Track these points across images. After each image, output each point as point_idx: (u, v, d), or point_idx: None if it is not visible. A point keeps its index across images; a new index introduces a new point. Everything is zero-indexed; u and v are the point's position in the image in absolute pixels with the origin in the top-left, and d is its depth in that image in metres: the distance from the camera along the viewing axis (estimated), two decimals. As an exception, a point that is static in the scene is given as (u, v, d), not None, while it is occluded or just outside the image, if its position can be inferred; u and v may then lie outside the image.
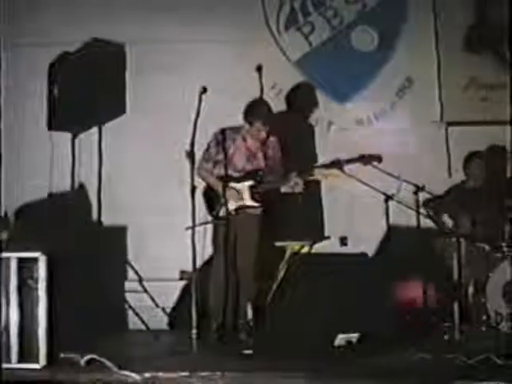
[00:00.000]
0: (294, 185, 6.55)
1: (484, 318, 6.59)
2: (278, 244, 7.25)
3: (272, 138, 6.72)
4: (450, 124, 8.03)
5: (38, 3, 7.85)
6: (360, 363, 5.51)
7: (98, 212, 7.80)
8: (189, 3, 7.92)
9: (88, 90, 7.45)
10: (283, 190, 6.72)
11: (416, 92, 8.09)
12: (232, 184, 6.59)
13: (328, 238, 7.59)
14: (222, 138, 6.64)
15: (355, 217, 7.70)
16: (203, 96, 6.34)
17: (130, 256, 7.71)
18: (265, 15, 8.11)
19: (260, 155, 6.68)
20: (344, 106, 8.04)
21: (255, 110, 6.60)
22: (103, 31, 7.75)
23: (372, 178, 7.04)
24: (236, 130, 6.69)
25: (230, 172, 6.65)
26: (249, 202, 6.60)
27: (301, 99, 7.94)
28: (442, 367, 5.37)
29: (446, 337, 6.49)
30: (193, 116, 6.28)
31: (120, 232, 7.67)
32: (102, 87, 7.58)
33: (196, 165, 6.31)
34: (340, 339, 5.87)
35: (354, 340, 5.92)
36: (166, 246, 7.46)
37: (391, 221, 7.16)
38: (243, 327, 6.56)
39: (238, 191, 6.60)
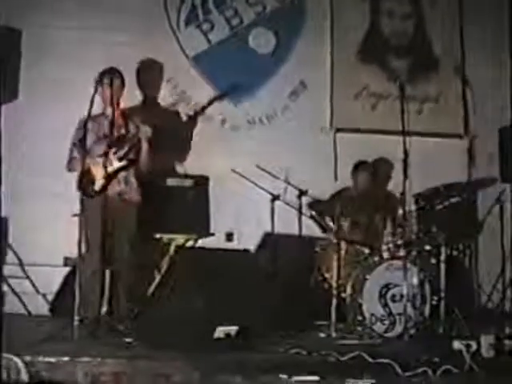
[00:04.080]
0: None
1: (360, 318, 6.78)
2: (158, 236, 7.32)
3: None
4: (338, 130, 8.25)
5: None
6: (235, 356, 5.60)
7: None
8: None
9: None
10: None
11: (308, 96, 8.29)
12: (100, 159, 6.44)
13: (213, 234, 7.64)
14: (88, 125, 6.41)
15: (242, 214, 7.83)
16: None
17: (15, 241, 7.62)
18: (166, 9, 8.16)
19: (120, 122, 6.58)
20: (238, 105, 8.16)
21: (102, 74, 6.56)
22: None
23: (260, 178, 7.23)
24: (96, 115, 6.55)
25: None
26: (116, 165, 6.47)
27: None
28: (314, 363, 5.52)
29: (322, 334, 6.71)
30: (86, 103, 6.27)
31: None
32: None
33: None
34: (219, 332, 5.95)
35: (233, 333, 6.01)
36: (53, 232, 7.39)
37: (277, 221, 7.35)
38: (122, 316, 6.54)
39: (108, 162, 6.43)
